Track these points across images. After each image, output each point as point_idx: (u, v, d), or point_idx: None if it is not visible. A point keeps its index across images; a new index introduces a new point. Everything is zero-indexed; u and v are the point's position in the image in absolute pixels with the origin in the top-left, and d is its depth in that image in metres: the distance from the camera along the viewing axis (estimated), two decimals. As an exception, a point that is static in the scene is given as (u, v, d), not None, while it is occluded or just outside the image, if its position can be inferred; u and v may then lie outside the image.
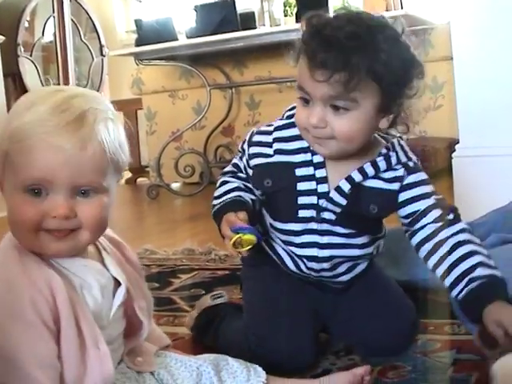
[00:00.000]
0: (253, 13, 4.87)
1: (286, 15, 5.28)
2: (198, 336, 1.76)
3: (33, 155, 1.07)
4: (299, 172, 1.54)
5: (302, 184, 1.54)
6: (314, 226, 1.55)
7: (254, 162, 1.59)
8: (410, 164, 1.54)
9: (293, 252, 1.59)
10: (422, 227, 1.52)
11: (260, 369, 1.36)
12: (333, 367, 1.54)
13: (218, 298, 1.82)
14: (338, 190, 1.52)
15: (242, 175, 1.64)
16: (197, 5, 4.87)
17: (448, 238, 1.49)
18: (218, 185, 1.65)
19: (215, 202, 1.58)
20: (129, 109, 5.71)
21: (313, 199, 1.54)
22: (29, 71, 5.61)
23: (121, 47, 5.91)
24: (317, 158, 1.53)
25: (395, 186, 1.53)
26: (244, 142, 1.63)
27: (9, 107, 4.89)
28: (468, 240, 1.49)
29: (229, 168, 1.67)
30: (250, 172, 1.62)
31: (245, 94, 4.96)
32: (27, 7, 5.62)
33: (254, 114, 4.90)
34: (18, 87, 5.45)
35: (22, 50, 5.54)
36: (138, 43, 4.87)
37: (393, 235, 1.69)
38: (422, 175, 1.55)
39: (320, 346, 1.61)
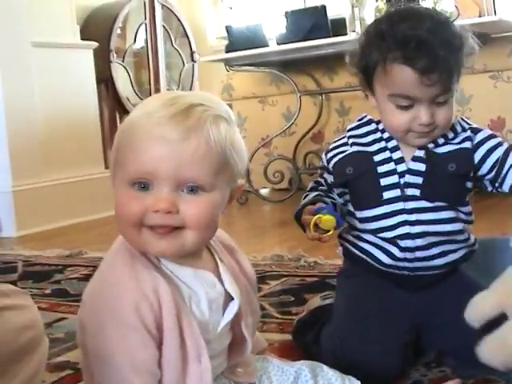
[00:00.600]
0: (344, 19, 4.84)
1: (376, 21, 5.25)
2: (298, 334, 1.76)
3: (138, 147, 1.07)
4: (377, 158, 1.64)
5: (382, 167, 1.63)
6: (400, 205, 1.61)
7: (334, 161, 1.69)
8: (474, 125, 1.66)
9: (384, 239, 1.63)
10: (509, 168, 1.57)
11: (354, 379, 1.35)
12: (424, 379, 1.53)
13: (328, 298, 1.83)
14: (415, 158, 1.61)
15: (324, 187, 1.71)
16: (287, 11, 4.88)
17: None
18: (302, 198, 1.69)
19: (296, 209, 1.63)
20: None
21: (394, 178, 1.62)
22: (121, 77, 5.70)
23: (211, 53, 5.95)
24: (391, 144, 1.64)
25: (467, 144, 1.62)
26: (321, 160, 1.75)
27: (101, 112, 4.99)
28: None
29: (309, 187, 1.74)
30: (331, 177, 1.70)
31: (335, 100, 4.94)
32: (120, 14, 5.71)
33: (344, 120, 4.88)
34: (110, 93, 5.54)
35: (115, 56, 5.63)
36: (229, 49, 4.91)
37: (482, 245, 1.69)
38: (488, 131, 1.66)
39: (410, 356, 1.60)
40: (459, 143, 1.62)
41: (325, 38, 4.39)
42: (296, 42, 4.42)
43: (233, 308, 1.20)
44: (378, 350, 1.51)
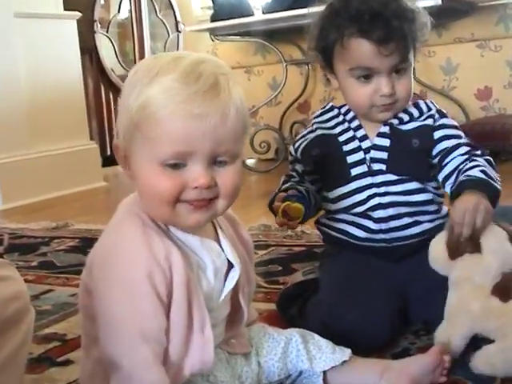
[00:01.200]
0: (329, -13, 4.82)
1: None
2: (282, 308, 1.77)
3: (171, 127, 1.04)
4: (341, 138, 1.71)
5: (346, 146, 1.70)
6: (369, 180, 1.67)
7: (301, 148, 1.76)
8: (443, 110, 1.72)
9: (357, 214, 1.69)
10: (450, 161, 1.63)
11: (344, 348, 1.36)
12: (412, 346, 1.54)
13: (310, 273, 1.85)
14: (380, 134, 1.68)
15: (296, 179, 1.76)
16: (273, -20, 4.84)
17: (466, 166, 1.58)
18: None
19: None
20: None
21: (360, 155, 1.68)
22: (105, 47, 5.66)
23: (196, 23, 5.92)
24: (354, 124, 1.71)
25: (429, 121, 1.68)
26: (290, 153, 1.81)
27: (85, 82, 4.96)
28: (482, 164, 1.57)
29: (282, 181, 1.77)
30: (301, 166, 1.76)
31: (321, 70, 4.92)
32: (104, -16, 5.67)
33: (330, 90, 4.86)
34: (94, 63, 5.51)
35: (99, 26, 5.59)
36: (214, 19, 4.87)
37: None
38: (452, 121, 1.72)
39: (398, 324, 1.59)
40: (422, 120, 1.69)
41: (310, 6, 4.35)
42: (281, 11, 4.39)
43: (234, 276, 1.20)
44: (367, 315, 1.51)
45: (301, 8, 4.29)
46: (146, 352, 1.06)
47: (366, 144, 1.69)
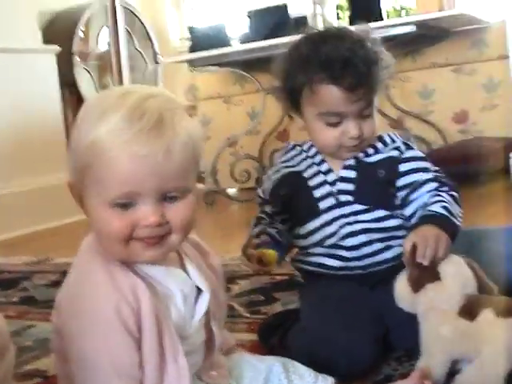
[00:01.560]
0: (305, 17, 4.86)
1: (338, 18, 5.27)
2: (263, 338, 1.77)
3: (117, 168, 1.05)
4: (306, 174, 1.74)
5: (312, 180, 1.73)
6: (337, 212, 1.70)
7: (268, 189, 1.79)
8: (408, 142, 1.75)
9: (329, 246, 1.70)
10: (417, 198, 1.66)
11: (327, 376, 1.36)
12: (395, 373, 1.53)
13: (289, 303, 1.92)
14: (346, 167, 1.71)
15: (266, 220, 1.77)
16: (250, 10, 4.88)
17: (430, 200, 1.63)
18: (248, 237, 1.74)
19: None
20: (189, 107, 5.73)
21: (326, 188, 1.71)
22: (84, 80, 5.67)
23: (175, 54, 5.94)
24: (317, 159, 1.74)
25: (394, 153, 1.71)
26: (257, 196, 1.85)
27: (65, 116, 4.96)
28: (446, 200, 1.61)
29: (252, 224, 1.79)
30: (270, 207, 1.79)
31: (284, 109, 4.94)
32: (82, 17, 5.68)
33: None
34: (74, 96, 5.51)
35: (78, 59, 5.60)
36: (192, 50, 4.90)
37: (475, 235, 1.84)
38: (419, 153, 1.75)
39: (382, 350, 1.59)
40: (387, 152, 1.72)
41: (287, 35, 4.38)
42: (258, 40, 4.42)
43: (204, 300, 1.20)
44: (352, 339, 1.51)
45: (277, 37, 4.34)
46: None
47: (331, 177, 1.72)
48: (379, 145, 1.73)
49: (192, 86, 5.33)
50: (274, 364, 1.34)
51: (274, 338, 1.71)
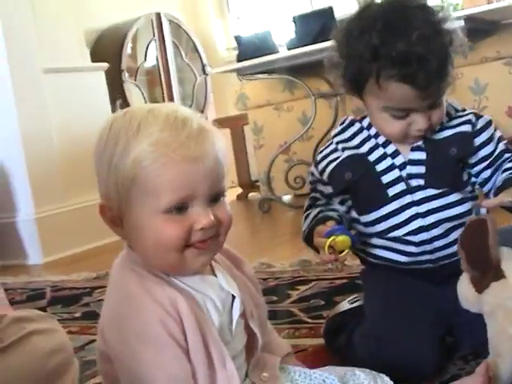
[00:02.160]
0: (352, 19, 4.83)
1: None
2: (328, 339, 1.74)
3: (172, 175, 1.07)
4: (372, 157, 1.63)
5: (379, 165, 1.62)
6: (408, 198, 1.60)
7: (328, 170, 1.66)
8: (474, 111, 1.66)
9: (395, 239, 1.62)
10: (496, 172, 1.59)
11: (387, 378, 1.33)
12: (461, 372, 1.50)
13: (356, 301, 1.81)
14: (414, 148, 1.61)
15: (322, 201, 1.70)
16: (295, 16, 4.87)
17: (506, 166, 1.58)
18: (302, 221, 1.68)
19: (303, 232, 1.64)
20: (235, 125, 5.73)
21: (395, 173, 1.61)
22: (134, 96, 5.72)
23: (223, 64, 5.96)
24: (381, 140, 1.63)
25: (466, 127, 1.61)
26: (311, 174, 1.74)
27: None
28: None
29: (306, 205, 1.72)
30: (328, 188, 1.69)
31: (350, 101, 4.89)
32: (128, 33, 5.75)
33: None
34: (125, 112, 5.56)
35: (127, 75, 5.66)
36: (239, 59, 4.91)
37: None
38: (488, 116, 1.66)
39: (446, 350, 1.57)
40: (456, 126, 1.62)
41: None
42: (305, 45, 4.40)
43: (237, 305, 1.20)
44: (415, 346, 1.48)
45: (324, 41, 4.31)
46: None
47: (398, 160, 1.62)
48: (444, 118, 1.61)
49: (242, 94, 5.33)
50: (331, 378, 1.30)
51: (340, 338, 1.68)
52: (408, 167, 1.61)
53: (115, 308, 1.13)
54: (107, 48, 5.61)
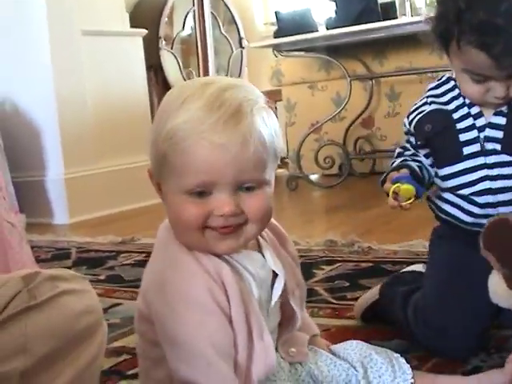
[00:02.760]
0: (393, 2, 4.79)
1: (427, 4, 5.19)
2: (390, 287, 1.78)
3: (195, 157, 1.05)
4: (456, 115, 1.65)
5: (460, 123, 1.64)
6: (481, 160, 1.62)
7: (414, 121, 1.70)
8: None
9: (462, 196, 1.64)
10: None
11: (405, 365, 1.33)
12: (483, 364, 1.51)
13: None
14: (497, 112, 1.62)
15: (409, 151, 1.73)
16: (336, -5, 4.84)
17: None
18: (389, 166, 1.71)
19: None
20: (268, 100, 5.71)
21: (473, 133, 1.63)
22: (169, 64, 5.73)
23: (260, 39, 5.94)
24: (468, 100, 1.64)
25: None
26: (403, 125, 1.75)
27: (151, 99, 5.02)
28: None
29: (396, 153, 1.76)
30: (414, 139, 1.72)
31: (385, 85, 4.90)
32: (168, 1, 5.73)
33: (395, 105, 4.83)
34: (159, 80, 5.57)
35: (164, 43, 5.66)
36: (277, 35, 4.89)
37: None
38: None
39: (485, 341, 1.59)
40: None
41: (375, 22, 4.34)
42: (345, 26, 4.38)
43: (279, 284, 1.20)
44: (458, 334, 1.51)
45: (365, 23, 4.29)
46: (223, 367, 1.06)
47: (480, 122, 1.63)
48: None
49: (277, 70, 5.32)
50: (353, 369, 1.31)
51: (399, 294, 1.70)
52: (487, 130, 1.62)
53: (161, 271, 1.13)
54: (146, 14, 5.60)
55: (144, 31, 4.88)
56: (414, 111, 1.73)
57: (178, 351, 1.09)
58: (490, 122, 1.62)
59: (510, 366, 1.31)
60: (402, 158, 1.70)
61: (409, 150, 1.74)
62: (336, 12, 4.75)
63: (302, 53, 4.89)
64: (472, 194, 1.62)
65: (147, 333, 1.16)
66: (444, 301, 1.56)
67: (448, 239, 1.71)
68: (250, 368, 1.12)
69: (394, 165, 1.68)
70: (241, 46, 6.39)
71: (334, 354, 1.34)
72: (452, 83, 1.69)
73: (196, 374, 1.07)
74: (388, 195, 1.56)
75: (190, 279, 1.09)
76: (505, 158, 1.60)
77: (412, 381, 1.31)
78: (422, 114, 1.69)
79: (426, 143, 1.70)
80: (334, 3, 4.80)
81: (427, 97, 1.71)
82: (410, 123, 1.72)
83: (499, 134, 1.61)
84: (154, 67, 5.52)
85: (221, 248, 1.11)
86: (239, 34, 6.39)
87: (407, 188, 1.52)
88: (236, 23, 6.38)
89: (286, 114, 5.33)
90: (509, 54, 1.47)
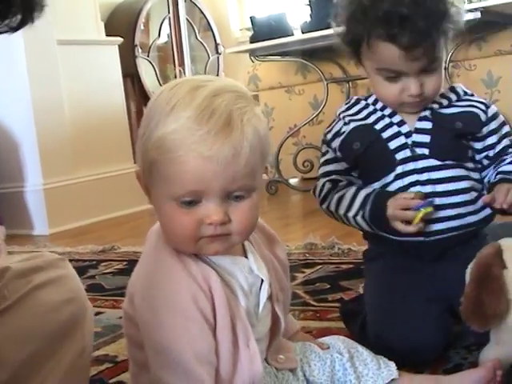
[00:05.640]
0: (368, 5, 4.80)
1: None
2: (345, 322, 1.78)
3: (184, 168, 1.05)
4: (378, 126, 1.65)
5: (385, 132, 1.64)
6: (411, 166, 1.61)
7: (338, 143, 1.68)
8: (483, 99, 1.70)
9: None
10: (498, 165, 1.62)
11: (389, 362, 1.35)
12: (464, 362, 1.51)
13: None
14: (421, 118, 1.63)
15: (343, 183, 1.70)
16: (311, -1, 4.85)
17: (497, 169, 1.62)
18: (334, 205, 1.68)
19: (351, 212, 1.63)
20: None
21: (401, 140, 1.62)
22: (146, 71, 5.72)
23: (236, 45, 5.94)
24: (387, 111, 1.66)
25: (476, 110, 1.64)
26: (323, 155, 1.74)
27: (128, 108, 5.01)
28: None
29: (328, 189, 1.70)
30: (344, 164, 1.70)
31: (362, 87, 4.91)
32: (143, 9, 5.74)
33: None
34: (136, 88, 5.57)
35: (140, 51, 5.65)
36: (253, 40, 4.89)
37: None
38: (496, 108, 1.68)
39: (449, 338, 1.59)
40: (466, 107, 1.65)
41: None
42: (320, 29, 4.38)
43: (264, 288, 1.20)
44: (413, 332, 1.51)
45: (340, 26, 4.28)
46: (202, 374, 1.06)
47: (404, 129, 1.63)
48: (453, 96, 1.67)
49: (253, 76, 5.33)
50: (339, 351, 1.33)
51: (355, 322, 1.70)
52: (414, 135, 1.63)
53: (148, 276, 1.13)
54: (121, 22, 5.59)
55: (119, 39, 4.88)
56: (334, 137, 1.70)
57: (159, 356, 1.09)
58: (416, 128, 1.63)
59: (489, 364, 1.32)
60: (356, 187, 1.66)
61: (340, 180, 1.70)
62: (311, 16, 4.75)
63: (279, 57, 4.89)
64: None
65: (134, 336, 1.16)
66: (389, 326, 1.55)
67: (378, 260, 1.71)
68: (234, 376, 1.12)
69: (362, 196, 1.63)
70: (217, 52, 6.40)
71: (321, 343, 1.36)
72: (363, 103, 1.71)
73: (175, 380, 1.07)
74: (385, 225, 1.57)
75: (176, 285, 1.09)
76: (433, 162, 1.61)
77: (397, 375, 1.32)
78: (344, 135, 1.68)
79: (354, 164, 1.69)
80: (308, 7, 4.80)
81: (342, 117, 1.71)
82: (335, 150, 1.70)
83: (426, 139, 1.62)
84: (131, 75, 5.52)
85: (209, 251, 1.12)
86: (215, 40, 6.40)
87: (430, 210, 1.55)
88: (212, 29, 6.39)
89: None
90: (417, 42, 1.50)
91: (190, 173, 1.05)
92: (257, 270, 1.19)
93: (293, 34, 4.86)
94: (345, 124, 1.69)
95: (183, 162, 1.05)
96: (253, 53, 4.79)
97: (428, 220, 1.57)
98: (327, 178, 1.71)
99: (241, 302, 1.15)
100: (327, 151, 1.73)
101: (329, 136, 1.72)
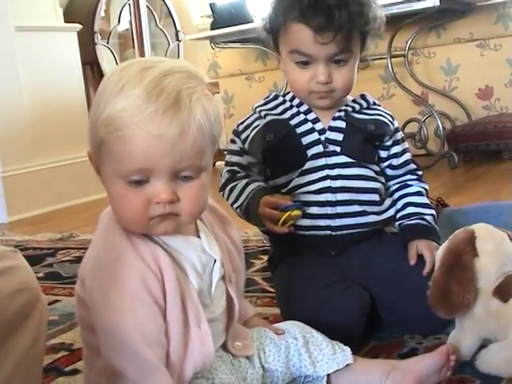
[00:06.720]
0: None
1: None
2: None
3: (132, 146, 1.05)
4: (293, 122, 1.70)
5: (300, 128, 1.69)
6: (323, 161, 1.66)
7: (250, 136, 1.72)
8: (389, 112, 1.77)
9: (307, 201, 1.64)
10: (399, 177, 1.75)
11: (344, 347, 1.35)
12: (419, 346, 1.54)
13: None
14: (336, 117, 1.69)
15: (241, 174, 1.73)
16: (271, -14, 4.84)
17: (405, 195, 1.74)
18: (226, 194, 1.72)
19: (237, 204, 1.68)
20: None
21: (314, 136, 1.68)
22: (106, 59, 5.69)
23: (196, 32, 5.93)
24: (303, 108, 1.71)
25: (385, 119, 1.73)
26: (231, 145, 1.77)
27: (88, 94, 4.97)
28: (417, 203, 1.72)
29: (226, 178, 1.74)
30: (248, 158, 1.74)
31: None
32: (103, -4, 5.70)
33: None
34: (96, 75, 5.53)
35: (99, 37, 5.61)
36: (214, 27, 4.88)
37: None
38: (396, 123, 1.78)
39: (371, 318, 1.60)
40: (376, 115, 1.74)
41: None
42: (281, 16, 4.38)
43: (217, 268, 1.21)
44: (332, 315, 1.51)
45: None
46: (150, 356, 1.06)
47: (318, 126, 1.69)
48: (363, 103, 1.74)
49: (214, 63, 5.32)
50: (294, 337, 1.34)
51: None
52: (328, 132, 1.68)
53: (99, 257, 1.13)
54: (81, 9, 5.55)
55: (78, 26, 4.83)
56: (246, 128, 1.74)
57: (109, 338, 1.09)
58: (329, 126, 1.68)
59: (443, 348, 1.34)
60: (246, 181, 1.69)
61: (238, 172, 1.73)
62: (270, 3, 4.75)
63: (239, 44, 4.88)
64: (313, 192, 1.65)
65: (86, 319, 1.16)
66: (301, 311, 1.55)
67: (282, 264, 1.74)
68: (185, 357, 1.13)
69: (248, 190, 1.67)
70: (177, 39, 6.38)
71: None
72: (281, 99, 1.75)
73: (123, 362, 1.07)
74: (257, 220, 1.62)
75: (124, 266, 1.09)
76: (344, 159, 1.67)
77: (352, 360, 1.33)
78: (258, 128, 1.71)
79: (264, 158, 1.71)
80: (268, -6, 4.80)
81: (258, 112, 1.74)
82: (243, 141, 1.73)
83: (339, 137, 1.68)
84: (91, 62, 5.49)
85: (159, 231, 1.12)
86: (175, 27, 6.37)
87: (297, 213, 1.58)
88: (172, 16, 6.36)
89: (224, 106, 5.32)
90: (327, 27, 1.55)
91: (137, 151, 1.05)
92: (209, 249, 1.19)
93: (253, 21, 4.85)
94: (260, 118, 1.73)
95: (131, 140, 1.05)
96: (213, 40, 4.78)
97: (338, 214, 1.64)
98: (228, 168, 1.75)
99: (192, 281, 1.15)
100: (235, 141, 1.76)
101: (240, 127, 1.76)
